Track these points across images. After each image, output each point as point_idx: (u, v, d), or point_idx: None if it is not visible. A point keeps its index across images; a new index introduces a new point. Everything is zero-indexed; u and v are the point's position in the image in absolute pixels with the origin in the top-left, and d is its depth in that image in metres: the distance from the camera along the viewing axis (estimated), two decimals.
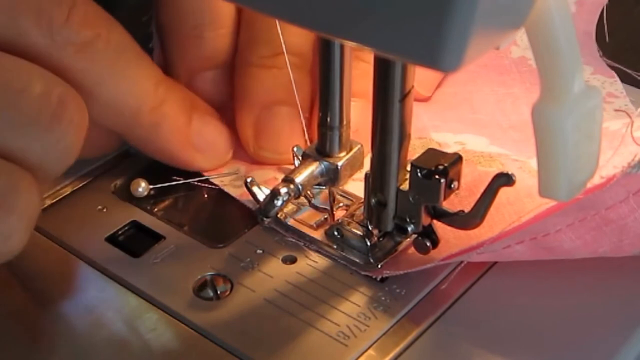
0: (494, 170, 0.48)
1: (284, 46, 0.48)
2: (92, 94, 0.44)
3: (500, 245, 0.42)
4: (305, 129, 0.49)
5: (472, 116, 0.55)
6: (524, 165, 0.49)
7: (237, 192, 0.48)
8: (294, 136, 0.49)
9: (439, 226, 0.43)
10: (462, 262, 0.43)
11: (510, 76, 0.56)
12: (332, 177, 0.45)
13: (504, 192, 0.41)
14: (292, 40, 0.49)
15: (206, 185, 0.49)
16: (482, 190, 0.42)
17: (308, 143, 0.49)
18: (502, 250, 0.42)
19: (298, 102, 0.49)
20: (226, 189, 0.48)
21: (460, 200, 0.45)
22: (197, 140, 0.48)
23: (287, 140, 0.49)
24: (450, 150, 0.50)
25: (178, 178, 0.49)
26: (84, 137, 0.43)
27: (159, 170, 0.50)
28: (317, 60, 0.44)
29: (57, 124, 0.41)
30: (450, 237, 0.44)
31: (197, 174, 0.49)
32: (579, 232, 0.40)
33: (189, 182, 0.49)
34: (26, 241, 0.40)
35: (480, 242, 0.42)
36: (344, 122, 0.45)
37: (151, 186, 0.48)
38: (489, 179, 0.41)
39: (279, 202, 0.44)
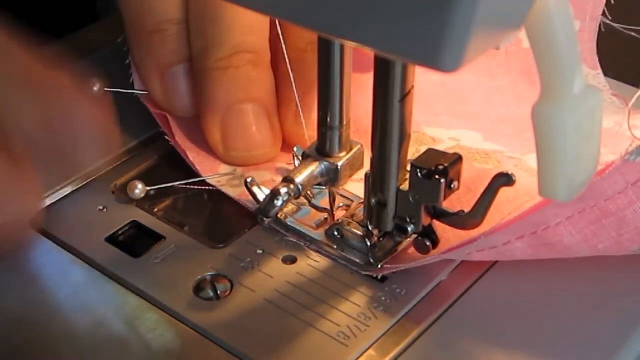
0: (490, 167, 0.48)
1: (283, 45, 0.48)
2: None
3: (501, 240, 0.42)
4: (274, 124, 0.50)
5: (462, 107, 0.54)
6: (520, 163, 0.49)
7: (236, 192, 0.48)
8: (260, 132, 0.49)
9: (438, 226, 0.43)
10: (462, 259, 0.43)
11: (496, 60, 0.56)
12: (332, 177, 0.45)
13: (503, 191, 0.41)
14: (245, 38, 0.49)
15: (204, 187, 0.49)
16: (479, 187, 0.42)
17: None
18: (502, 247, 0.42)
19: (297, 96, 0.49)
20: (224, 189, 0.48)
21: (458, 198, 0.45)
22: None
23: (254, 137, 0.49)
24: (444, 145, 0.50)
25: (173, 180, 0.48)
26: None
27: (159, 170, 0.50)
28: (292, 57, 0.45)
29: None
30: (450, 237, 0.44)
31: (194, 175, 0.49)
32: (578, 226, 0.40)
33: (186, 183, 0.49)
34: None
35: (480, 233, 0.42)
36: (344, 122, 0.45)
37: (148, 187, 0.48)
38: (486, 176, 0.41)
39: (278, 202, 0.44)
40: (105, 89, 0.51)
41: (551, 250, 0.42)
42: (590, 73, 0.57)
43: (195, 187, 0.49)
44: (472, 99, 0.55)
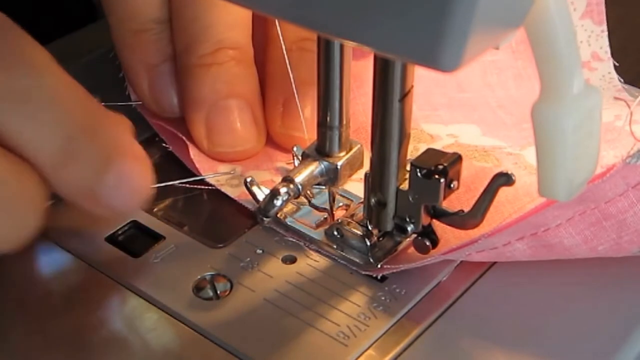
0: (490, 166, 0.48)
1: (281, 37, 0.48)
2: None
3: (501, 241, 0.42)
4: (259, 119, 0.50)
5: (460, 95, 0.54)
6: (519, 160, 0.49)
7: (235, 192, 0.48)
8: (245, 128, 0.50)
9: (438, 226, 0.43)
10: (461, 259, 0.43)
11: None
12: (331, 177, 0.45)
13: (502, 191, 0.41)
14: (230, 34, 0.49)
15: (203, 186, 0.49)
16: (479, 186, 0.42)
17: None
18: (502, 248, 0.42)
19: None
20: (223, 189, 0.48)
21: (457, 197, 0.45)
22: (104, 196, 0.40)
23: (239, 133, 0.49)
24: (442, 143, 0.50)
25: (172, 180, 0.49)
26: None
27: (158, 170, 0.50)
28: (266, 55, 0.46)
29: None
30: (450, 237, 0.44)
31: (193, 174, 0.49)
32: (579, 228, 0.40)
33: (186, 182, 0.49)
34: (20, 237, 0.39)
35: (480, 235, 0.42)
36: (344, 122, 0.45)
37: None
38: (485, 175, 0.41)
39: (278, 202, 0.44)
40: (103, 103, 0.51)
41: (551, 251, 0.42)
42: (595, 31, 0.55)
43: (195, 186, 0.49)
44: (471, 85, 0.55)
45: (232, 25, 0.49)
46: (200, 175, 0.49)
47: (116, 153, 0.40)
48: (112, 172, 0.40)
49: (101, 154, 0.39)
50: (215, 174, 0.49)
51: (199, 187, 0.49)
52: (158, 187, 0.48)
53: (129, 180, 0.40)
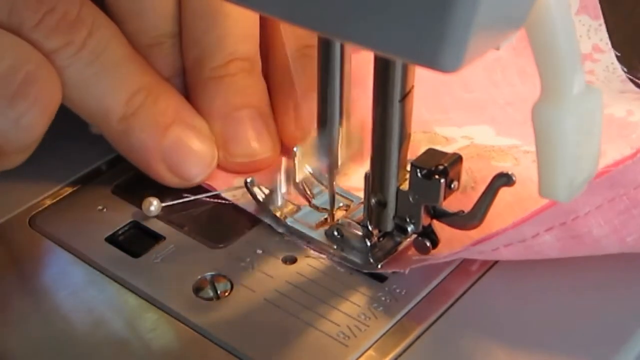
0: (509, 165, 0.48)
1: (287, 50, 0.49)
2: (63, 93, 0.45)
3: (530, 233, 0.41)
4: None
5: (468, 95, 0.54)
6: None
7: (252, 206, 0.48)
8: (260, 138, 0.50)
9: (438, 226, 0.43)
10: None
11: None
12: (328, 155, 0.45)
13: (525, 186, 0.40)
14: (239, 46, 0.49)
15: (219, 200, 0.49)
16: None
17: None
18: (531, 241, 0.41)
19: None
20: (239, 204, 0.48)
21: (477, 195, 0.45)
22: (169, 157, 0.48)
23: (254, 143, 0.50)
24: (458, 145, 0.50)
25: (188, 195, 0.48)
26: (51, 116, 0.44)
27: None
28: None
29: (20, 100, 0.42)
30: (450, 237, 0.44)
31: (208, 189, 0.49)
32: (607, 216, 0.40)
33: (200, 198, 0.48)
34: (42, 129, 0.44)
35: (507, 226, 0.41)
36: (344, 122, 0.44)
37: (163, 204, 0.48)
38: None
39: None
40: None
41: (580, 243, 0.41)
42: (593, 25, 0.55)
43: (212, 200, 0.48)
44: (477, 84, 0.54)
45: (242, 37, 0.49)
46: (215, 190, 0.49)
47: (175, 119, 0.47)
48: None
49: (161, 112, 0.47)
50: (229, 189, 0.49)
51: (216, 201, 0.48)
52: (173, 204, 0.48)
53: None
